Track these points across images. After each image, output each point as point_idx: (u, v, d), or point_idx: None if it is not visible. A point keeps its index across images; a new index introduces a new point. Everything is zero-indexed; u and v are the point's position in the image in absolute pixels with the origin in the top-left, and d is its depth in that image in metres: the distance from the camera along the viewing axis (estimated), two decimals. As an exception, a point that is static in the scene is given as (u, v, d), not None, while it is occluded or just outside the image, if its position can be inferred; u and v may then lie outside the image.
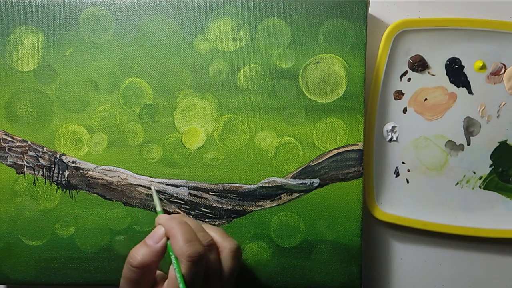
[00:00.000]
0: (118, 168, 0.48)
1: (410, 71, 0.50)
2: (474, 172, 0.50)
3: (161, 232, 0.40)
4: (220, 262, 0.41)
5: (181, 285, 0.38)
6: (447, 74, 0.50)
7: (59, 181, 0.48)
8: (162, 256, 0.40)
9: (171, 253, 0.40)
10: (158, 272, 0.42)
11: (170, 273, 0.39)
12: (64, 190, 0.48)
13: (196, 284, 0.39)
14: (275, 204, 0.48)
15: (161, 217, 0.42)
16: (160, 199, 0.47)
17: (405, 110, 0.50)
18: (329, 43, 0.47)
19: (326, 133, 0.48)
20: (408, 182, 0.51)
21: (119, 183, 0.48)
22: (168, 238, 0.40)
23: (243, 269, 0.48)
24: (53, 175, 0.48)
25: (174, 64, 0.48)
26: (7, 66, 0.48)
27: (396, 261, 0.51)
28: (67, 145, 0.48)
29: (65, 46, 0.48)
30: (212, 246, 0.41)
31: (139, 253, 0.40)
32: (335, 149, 0.47)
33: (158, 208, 0.45)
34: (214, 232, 0.43)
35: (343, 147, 0.47)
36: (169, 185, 0.48)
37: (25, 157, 0.48)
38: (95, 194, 0.48)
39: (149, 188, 0.48)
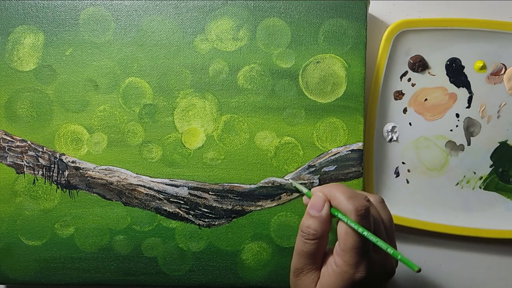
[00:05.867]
0: (118, 168, 0.48)
1: (410, 71, 0.50)
2: (474, 173, 0.50)
3: (321, 199, 0.40)
4: (379, 214, 0.41)
5: (365, 232, 0.37)
6: (447, 74, 0.50)
7: (58, 181, 0.48)
8: (330, 221, 0.40)
9: (336, 213, 0.39)
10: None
11: (339, 233, 0.38)
12: (64, 190, 0.48)
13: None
14: (275, 204, 0.48)
15: (315, 188, 0.41)
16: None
17: (405, 110, 0.50)
18: (329, 43, 0.47)
19: (326, 133, 0.48)
20: (408, 182, 0.51)
21: (118, 183, 0.48)
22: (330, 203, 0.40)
23: (243, 269, 0.48)
24: (52, 175, 0.48)
25: (174, 64, 0.48)
26: (7, 66, 0.48)
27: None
28: (67, 145, 0.48)
29: (65, 46, 0.48)
30: (369, 201, 0.40)
31: (311, 226, 0.39)
32: (335, 149, 0.47)
33: (305, 189, 0.45)
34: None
35: (343, 147, 0.47)
36: (169, 185, 0.48)
37: (25, 157, 0.48)
38: (95, 194, 0.48)
39: (150, 188, 0.48)
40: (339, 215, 0.39)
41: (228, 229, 0.48)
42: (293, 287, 0.41)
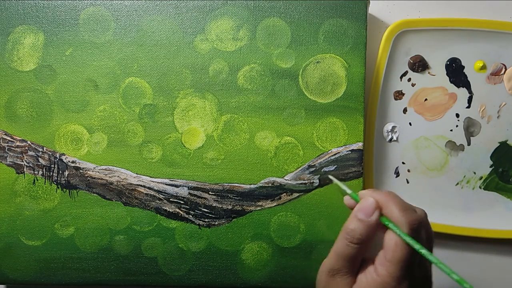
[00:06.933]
0: (118, 168, 0.48)
1: (410, 71, 0.50)
2: (474, 173, 0.50)
3: (373, 205, 0.38)
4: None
5: (423, 250, 0.36)
6: (447, 74, 0.50)
7: (58, 181, 0.48)
8: (377, 229, 0.39)
9: (387, 223, 0.38)
10: None
11: (386, 243, 0.37)
12: (64, 190, 0.48)
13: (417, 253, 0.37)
14: (275, 204, 0.48)
15: (365, 192, 0.40)
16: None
17: (405, 110, 0.50)
18: (329, 43, 0.47)
19: (326, 133, 0.48)
20: (408, 182, 0.51)
21: (118, 183, 0.48)
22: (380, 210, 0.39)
23: (243, 269, 0.48)
24: (52, 175, 0.48)
25: (174, 64, 0.48)
26: (7, 66, 0.48)
27: (396, 262, 0.51)
28: (67, 145, 0.48)
29: (65, 46, 0.48)
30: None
31: (357, 230, 0.38)
32: (335, 149, 0.47)
33: (349, 190, 0.42)
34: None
35: (343, 147, 0.47)
36: (169, 185, 0.48)
37: (25, 157, 0.48)
38: (94, 194, 0.48)
39: (150, 188, 0.48)
40: (391, 226, 0.37)
41: (228, 229, 0.48)
42: (322, 286, 0.40)
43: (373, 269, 0.38)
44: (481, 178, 0.50)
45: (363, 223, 0.38)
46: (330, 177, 0.45)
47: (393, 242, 0.37)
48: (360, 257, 0.39)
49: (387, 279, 0.37)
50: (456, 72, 0.50)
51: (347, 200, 0.42)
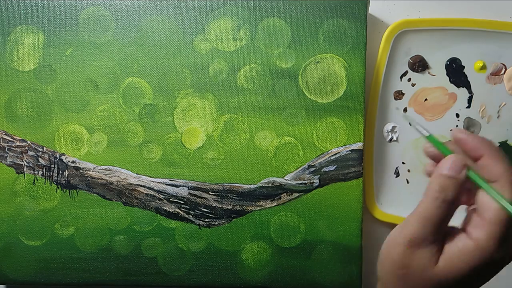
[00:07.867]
0: (118, 168, 0.48)
1: (410, 71, 0.50)
2: (474, 173, 0.50)
3: (460, 162, 0.33)
4: None
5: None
6: (447, 74, 0.50)
7: (58, 181, 0.48)
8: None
9: (476, 181, 0.33)
10: None
11: (480, 201, 0.32)
12: (64, 190, 0.48)
13: None
14: (275, 204, 0.48)
15: (457, 132, 0.35)
16: None
17: (405, 110, 0.50)
18: (329, 43, 0.47)
19: (326, 133, 0.48)
20: (408, 182, 0.51)
21: (118, 183, 0.48)
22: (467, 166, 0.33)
23: (243, 269, 0.48)
24: (52, 175, 0.48)
25: (174, 64, 0.48)
26: (7, 66, 0.48)
27: (396, 262, 0.51)
28: (67, 145, 0.48)
29: (65, 46, 0.48)
30: None
31: (445, 187, 0.33)
32: (335, 149, 0.47)
33: (426, 132, 0.36)
34: None
35: (343, 147, 0.47)
36: (169, 185, 0.48)
37: (25, 157, 0.48)
38: (94, 194, 0.48)
39: (150, 188, 0.48)
40: (481, 183, 0.33)
41: (228, 229, 0.48)
42: (403, 260, 0.34)
43: (465, 236, 0.33)
44: (481, 178, 0.50)
45: (451, 180, 0.33)
46: (406, 114, 0.42)
47: (484, 201, 0.32)
48: (448, 220, 0.33)
49: (484, 243, 0.32)
50: (456, 72, 0.50)
51: (428, 149, 0.36)
